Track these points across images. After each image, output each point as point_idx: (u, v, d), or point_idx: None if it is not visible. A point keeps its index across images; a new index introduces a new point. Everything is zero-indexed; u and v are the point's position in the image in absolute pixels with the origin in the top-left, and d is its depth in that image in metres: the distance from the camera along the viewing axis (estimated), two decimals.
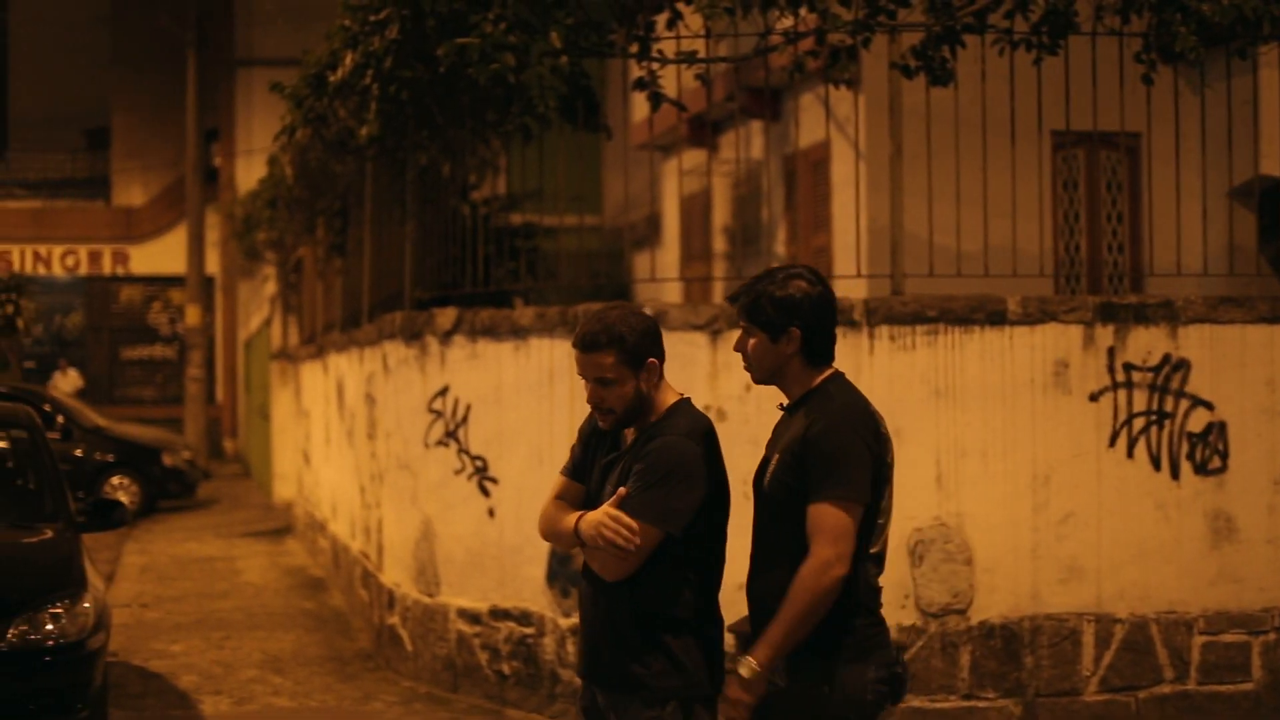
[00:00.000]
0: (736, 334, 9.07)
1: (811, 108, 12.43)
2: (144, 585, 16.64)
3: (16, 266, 46.47)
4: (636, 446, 5.31)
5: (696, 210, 15.29)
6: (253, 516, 24.49)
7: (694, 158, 13.83)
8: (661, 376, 5.39)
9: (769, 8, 9.85)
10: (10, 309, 42.25)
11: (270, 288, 27.39)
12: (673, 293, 14.27)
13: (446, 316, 10.76)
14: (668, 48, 10.24)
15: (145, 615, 14.54)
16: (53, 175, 55.57)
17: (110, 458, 25.13)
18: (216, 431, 38.98)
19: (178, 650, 12.75)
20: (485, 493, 10.44)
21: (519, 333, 10.23)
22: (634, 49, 10.23)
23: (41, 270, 47.54)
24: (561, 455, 9.75)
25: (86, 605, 9.04)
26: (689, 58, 10.07)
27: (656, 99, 10.19)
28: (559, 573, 9.95)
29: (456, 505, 10.66)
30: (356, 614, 13.79)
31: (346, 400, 14.54)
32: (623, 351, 5.27)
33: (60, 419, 25.02)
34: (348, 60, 11.40)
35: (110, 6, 52.10)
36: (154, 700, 11.05)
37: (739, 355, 5.35)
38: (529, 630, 10.17)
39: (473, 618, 10.55)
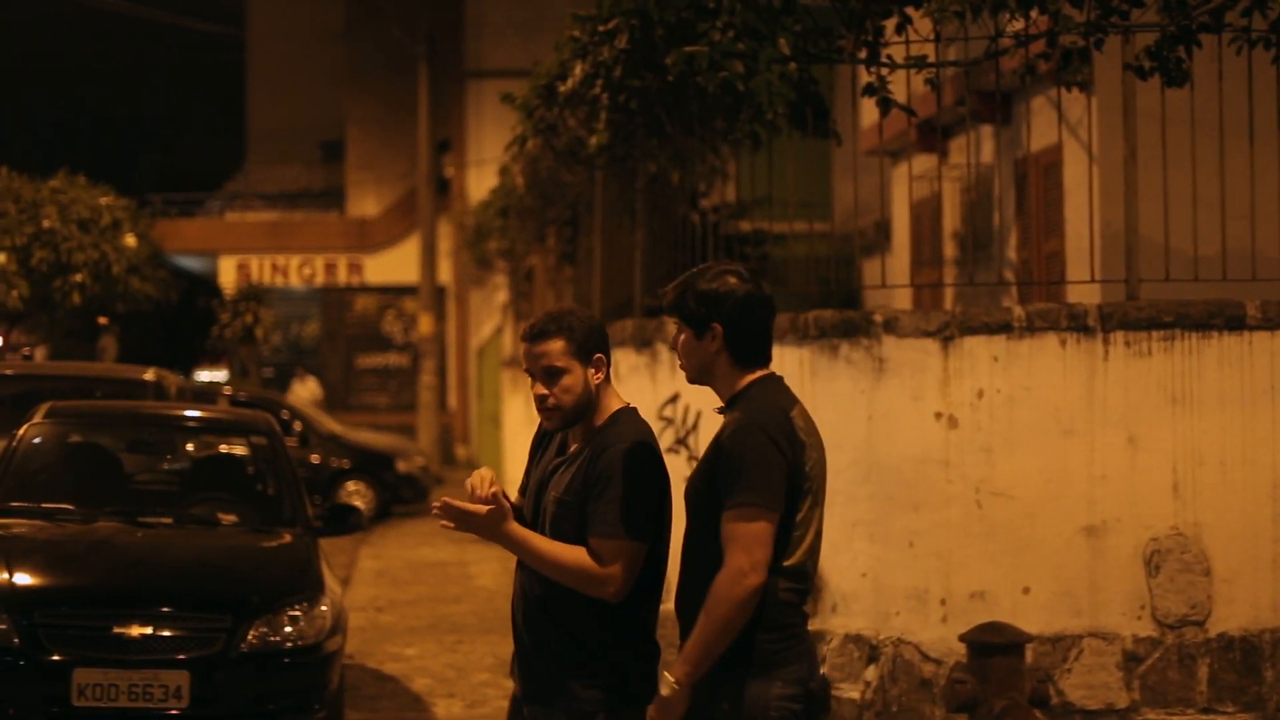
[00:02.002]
0: (969, 340, 9.03)
1: (1043, 111, 12.26)
2: (379, 589, 16.91)
3: (255, 277, 47.54)
4: (587, 454, 5.20)
5: (926, 216, 15.17)
6: None
7: (924, 163, 13.72)
8: (608, 379, 5.30)
9: (999, 10, 9.73)
10: (249, 318, 43.25)
11: (501, 296, 27.71)
12: (903, 299, 14.16)
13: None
14: (897, 52, 10.16)
15: (380, 619, 14.77)
16: (289, 188, 56.74)
17: (346, 464, 25.58)
18: (449, 438, 39.48)
19: (411, 653, 12.94)
20: None
21: None
22: (863, 54, 10.17)
23: (279, 281, 48.58)
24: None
25: (324, 608, 9.21)
26: (918, 62, 9.98)
27: (886, 104, 10.12)
28: None
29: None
30: None
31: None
32: (571, 340, 5.20)
33: (298, 426, 25.54)
34: (577, 70, 11.49)
35: (344, 22, 53.13)
36: (388, 702, 11.22)
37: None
38: None
39: None
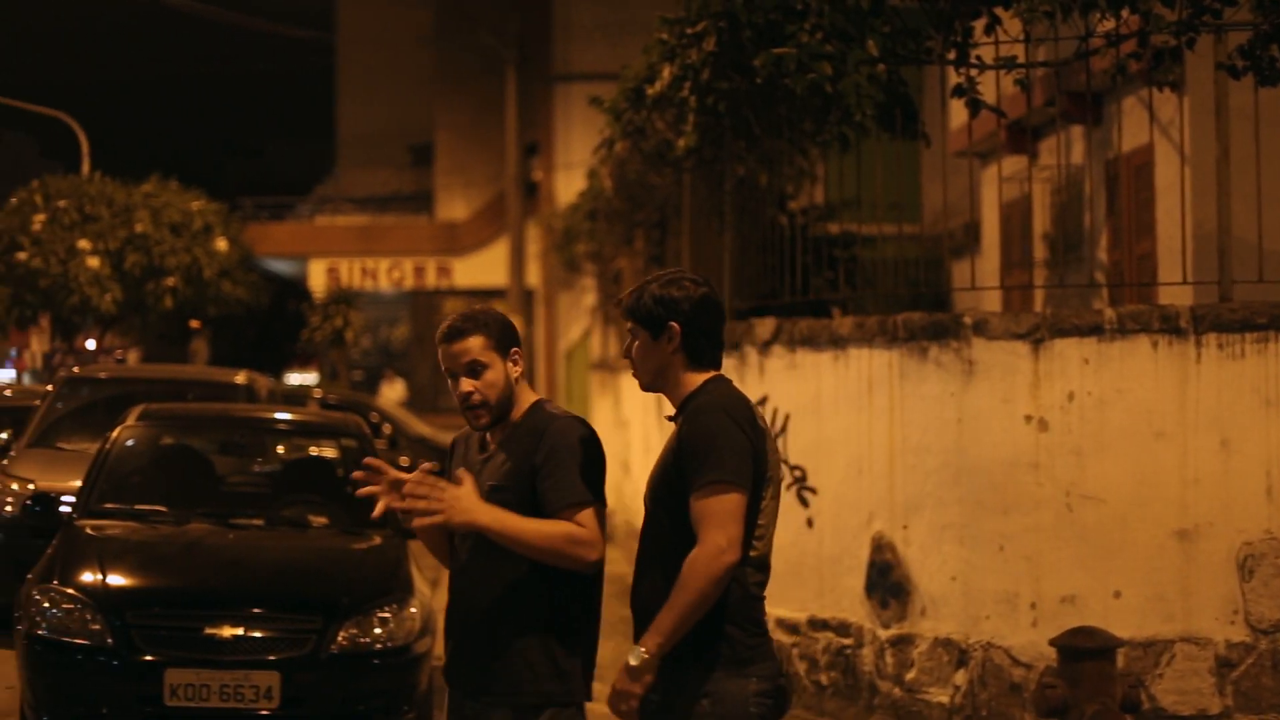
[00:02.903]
0: (1060, 343, 8.97)
1: (1134, 111, 12.16)
2: None
3: (345, 281, 47.81)
4: (520, 441, 5.21)
5: (1016, 217, 15.08)
6: None
7: (1013, 164, 13.65)
8: (523, 373, 5.33)
9: (1089, 10, 9.66)
10: (339, 322, 43.49)
11: (590, 299, 27.77)
12: (992, 301, 14.09)
13: (765, 327, 10.78)
14: (986, 53, 10.11)
15: None
16: (379, 191, 57.04)
17: (434, 465, 25.66)
18: None
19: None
20: (804, 503, 10.43)
21: (838, 342, 10.20)
22: (952, 55, 10.13)
23: (368, 284, 48.85)
24: (881, 465, 9.73)
25: (413, 610, 9.25)
26: (1008, 63, 9.93)
27: (975, 105, 10.08)
28: (878, 584, 9.88)
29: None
30: None
31: (666, 409, 14.64)
32: (490, 336, 5.23)
33: (387, 428, 25.69)
34: (665, 73, 11.49)
35: (433, 26, 53.36)
36: None
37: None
38: (847, 641, 10.12)
39: (791, 628, 10.54)
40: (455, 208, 51.02)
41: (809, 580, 10.42)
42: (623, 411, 19.86)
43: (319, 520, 10.66)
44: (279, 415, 12.38)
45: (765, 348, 10.76)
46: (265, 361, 55.34)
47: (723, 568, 4.85)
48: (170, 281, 39.69)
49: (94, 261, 39.15)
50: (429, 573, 13.45)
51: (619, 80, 13.48)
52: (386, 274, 49.01)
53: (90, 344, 48.48)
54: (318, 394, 26.33)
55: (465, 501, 5.05)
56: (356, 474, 5.25)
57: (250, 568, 9.61)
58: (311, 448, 12.46)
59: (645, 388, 5.28)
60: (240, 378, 16.47)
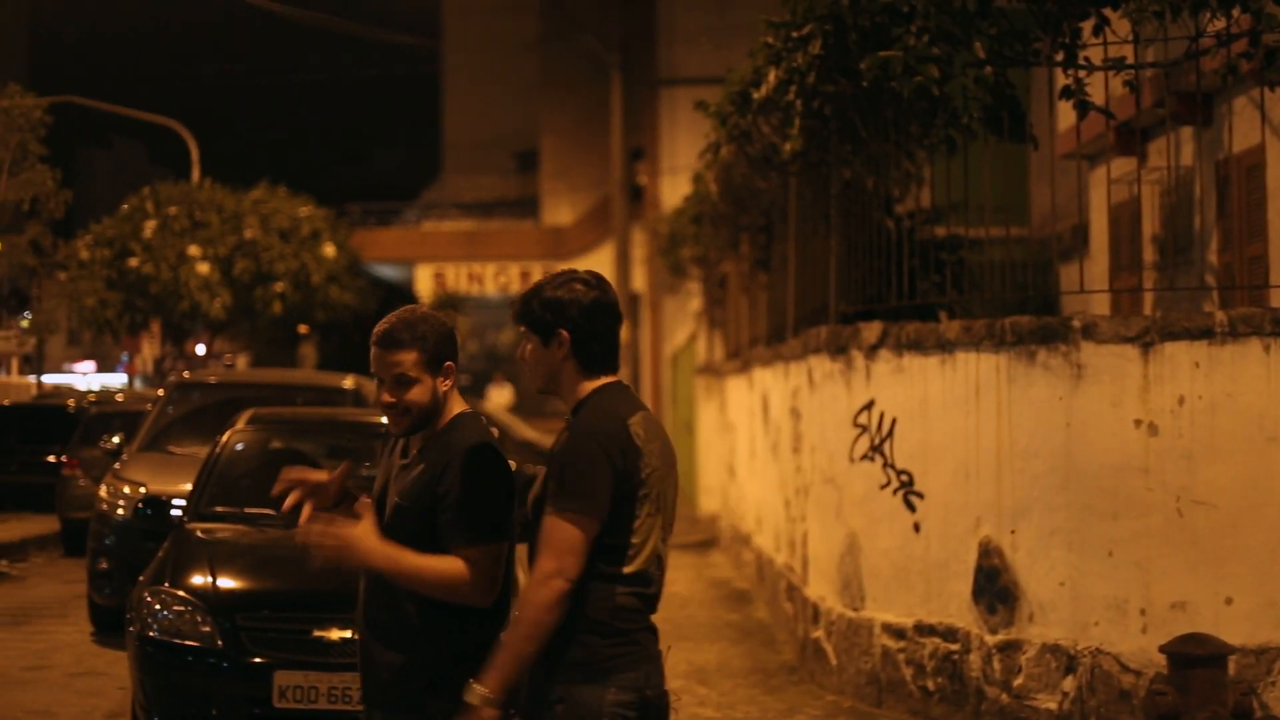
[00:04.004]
0: (1170, 346, 8.88)
1: (1245, 111, 12.03)
2: None
3: (451, 285, 48.06)
4: (430, 460, 5.14)
5: (1125, 220, 14.93)
6: (678, 528, 24.59)
7: (1122, 166, 13.51)
8: (455, 386, 5.25)
9: (1200, 10, 9.56)
10: None
11: (695, 303, 27.76)
12: (1101, 304, 13.96)
13: (872, 330, 10.74)
14: (1094, 54, 10.03)
15: None
16: (485, 197, 57.33)
17: (541, 470, 25.77)
18: None
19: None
20: (911, 507, 10.38)
21: (945, 346, 10.15)
22: (1059, 56, 10.06)
23: (475, 289, 49.09)
24: (988, 469, 9.67)
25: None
26: (1116, 64, 9.84)
27: (1083, 107, 10.00)
28: (986, 589, 9.82)
29: (882, 520, 10.63)
30: (780, 627, 13.85)
31: (771, 414, 14.63)
32: (424, 352, 5.15)
33: (495, 433, 25.76)
34: (771, 77, 11.48)
35: (538, 32, 53.54)
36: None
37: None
38: (954, 646, 10.06)
39: (897, 633, 10.50)
40: (560, 212, 51.19)
41: (915, 585, 10.37)
42: (729, 416, 19.85)
43: None
44: (386, 419, 12.46)
45: (871, 352, 10.72)
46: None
47: (551, 594, 4.81)
48: (279, 287, 40.05)
49: (204, 267, 39.56)
50: None
51: (724, 84, 13.49)
52: (492, 279, 49.25)
53: (200, 349, 48.98)
54: None
55: (363, 544, 5.06)
56: (277, 487, 5.26)
57: (339, 574, 9.65)
58: None
59: (540, 391, 5.21)
60: (348, 382, 16.58)
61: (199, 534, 10.06)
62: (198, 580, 9.29)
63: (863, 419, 10.80)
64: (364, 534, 5.07)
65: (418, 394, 5.16)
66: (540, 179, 53.40)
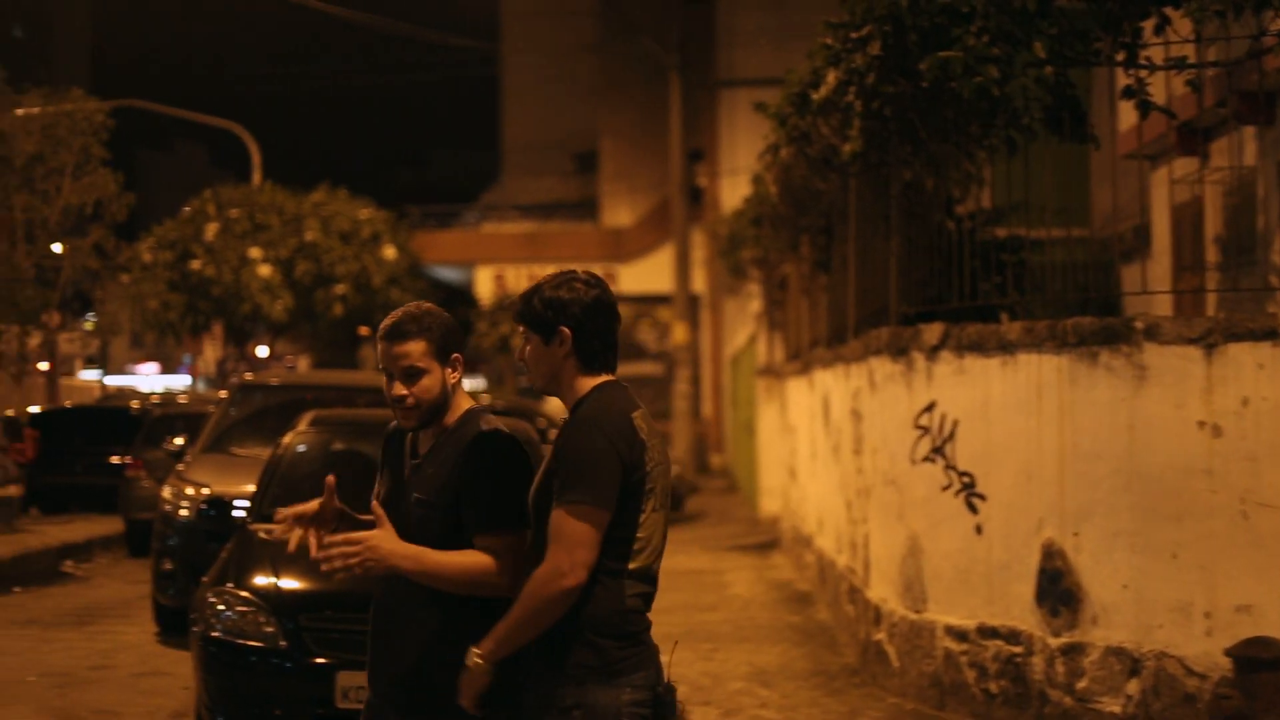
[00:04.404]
0: (1234, 347, 8.82)
1: None
2: None
3: (511, 287, 48.17)
4: (447, 454, 5.16)
5: (1187, 220, 14.86)
6: (739, 530, 24.81)
7: (1184, 166, 13.45)
8: (462, 379, 5.28)
9: (1263, 8, 9.49)
10: (506, 328, 43.80)
11: (755, 305, 27.77)
12: (1163, 305, 13.90)
13: (933, 332, 10.72)
14: (1156, 54, 9.98)
15: None
16: (544, 199, 57.45)
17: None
18: (703, 446, 39.64)
19: (667, 661, 12.96)
20: (973, 509, 10.35)
21: (1006, 347, 10.11)
22: (1120, 56, 10.01)
23: None
24: (1051, 471, 9.63)
25: None
26: (1178, 63, 9.79)
27: (1145, 107, 9.94)
28: (1049, 591, 9.78)
29: (943, 521, 10.60)
30: (842, 629, 13.83)
31: (832, 416, 14.61)
32: (431, 342, 5.16)
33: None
34: (830, 78, 11.47)
35: (597, 34, 53.61)
36: None
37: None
38: (1017, 649, 10.03)
39: (960, 635, 10.47)
40: (620, 214, 51.25)
41: (978, 587, 10.34)
42: (789, 417, 19.83)
43: None
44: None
45: (933, 353, 10.69)
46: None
47: (561, 590, 4.79)
48: (340, 289, 40.21)
49: (265, 270, 39.77)
50: None
51: (783, 85, 13.48)
52: None
53: (262, 351, 49.22)
54: (485, 400, 26.51)
55: (383, 547, 5.04)
56: (278, 532, 5.30)
57: None
58: None
59: (540, 391, 5.21)
60: None
61: (262, 535, 10.11)
62: (261, 581, 9.34)
63: (924, 420, 10.77)
64: (385, 538, 5.07)
65: (428, 384, 5.17)
66: (600, 181, 53.49)
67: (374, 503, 5.27)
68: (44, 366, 41.59)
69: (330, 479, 5.34)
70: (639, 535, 4.94)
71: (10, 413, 29.14)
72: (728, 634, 14.37)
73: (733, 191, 33.34)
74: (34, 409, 29.97)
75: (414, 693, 5.17)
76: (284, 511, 5.33)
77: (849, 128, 11.44)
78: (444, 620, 5.13)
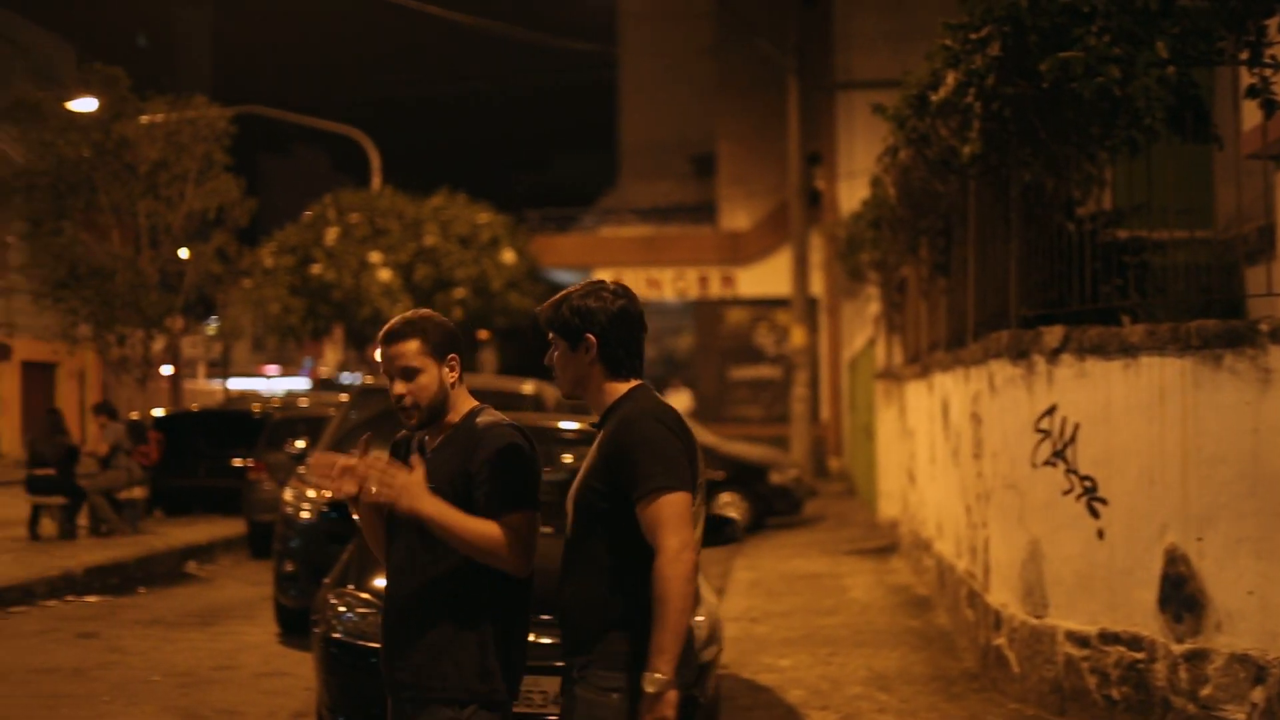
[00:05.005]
0: None
1: None
2: (753, 600, 17.00)
3: None
4: (458, 445, 5.33)
5: None
6: (858, 534, 24.73)
7: None
8: (461, 379, 5.42)
9: None
10: None
11: (874, 308, 27.66)
12: None
13: (1053, 334, 10.63)
14: None
15: (754, 629, 14.84)
16: (662, 202, 57.49)
17: (719, 475, 25.79)
18: (821, 450, 39.52)
19: (785, 665, 12.97)
20: (1094, 514, 10.25)
21: (1128, 350, 10.01)
22: (1244, 55, 9.88)
23: (653, 294, 49.22)
24: (1174, 475, 9.52)
25: (699, 618, 9.27)
26: None
27: (1270, 106, 9.81)
28: (1172, 597, 9.67)
29: (1064, 526, 10.51)
30: (962, 633, 13.74)
31: (951, 419, 14.53)
32: (426, 341, 5.37)
33: None
34: (949, 79, 11.40)
35: (714, 36, 53.61)
36: (763, 713, 11.26)
37: None
38: (1139, 655, 9.92)
39: (1081, 640, 10.38)
40: (738, 217, 51.21)
41: (1099, 592, 10.24)
42: (908, 421, 19.74)
43: None
44: (566, 424, 12.50)
45: (1053, 356, 10.60)
46: (552, 371, 55.67)
47: (688, 565, 4.90)
48: (459, 293, 40.44)
49: (385, 274, 40.06)
50: (715, 581, 13.52)
51: (901, 87, 13.41)
52: (670, 284, 49.36)
53: (379, 354, 49.50)
54: None
55: (415, 488, 5.19)
56: (318, 482, 5.44)
57: (541, 575, 9.73)
58: None
59: (566, 396, 5.37)
60: (528, 387, 16.71)
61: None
62: (382, 583, 9.39)
63: (1045, 424, 10.68)
64: (418, 480, 5.21)
65: (424, 382, 5.37)
66: (717, 184, 53.47)
67: (414, 456, 5.44)
68: (168, 370, 42.11)
69: (366, 435, 5.53)
70: None
71: (135, 416, 29.53)
72: (846, 638, 14.33)
73: (850, 194, 33.22)
74: (158, 412, 30.34)
75: (424, 692, 5.30)
76: (323, 460, 5.44)
77: (968, 129, 11.37)
78: (453, 620, 5.28)
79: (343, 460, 5.35)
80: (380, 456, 5.34)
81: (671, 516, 4.93)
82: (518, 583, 5.36)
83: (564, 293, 5.35)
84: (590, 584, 5.13)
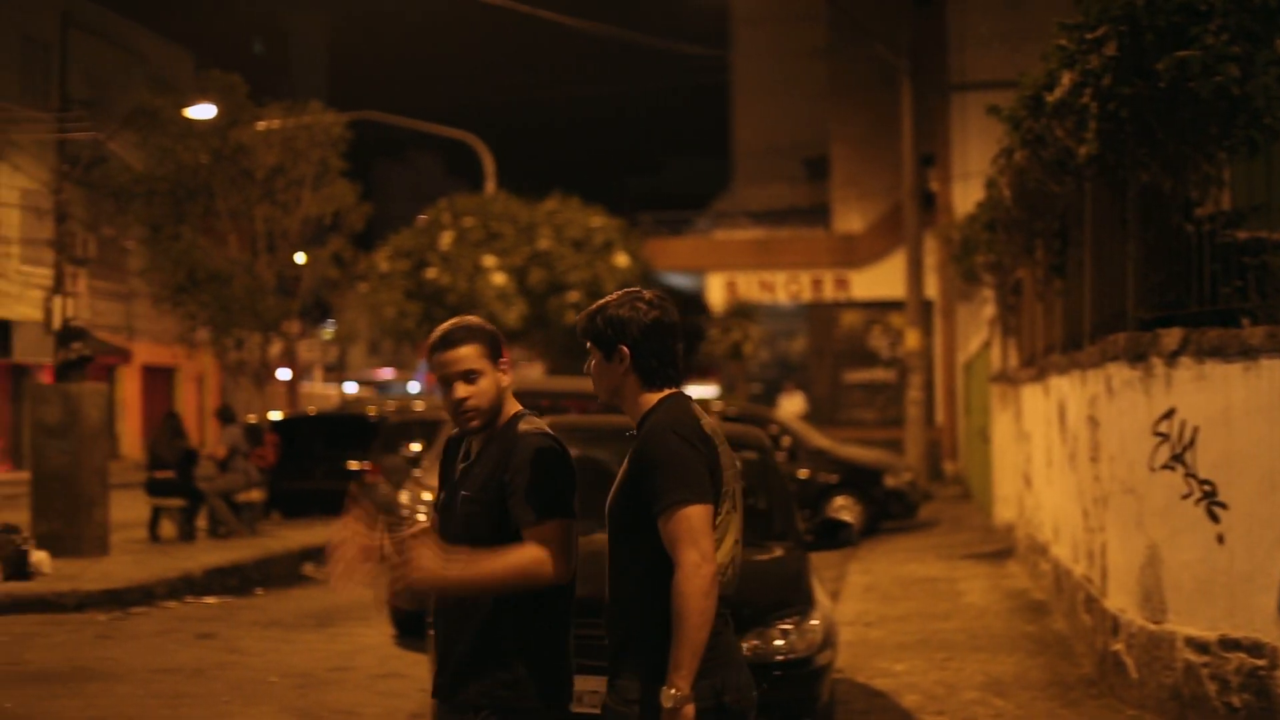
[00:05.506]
0: None
1: None
2: (867, 604, 16.94)
3: (743, 294, 48.22)
4: (494, 453, 5.34)
5: None
6: (973, 538, 24.58)
7: None
8: (510, 383, 5.46)
9: None
10: (738, 335, 43.86)
11: (989, 310, 27.48)
12: None
13: (1172, 337, 10.52)
14: None
15: (869, 634, 14.79)
16: (775, 205, 57.46)
17: (834, 479, 25.74)
18: (936, 453, 39.32)
19: (900, 669, 12.91)
20: (1214, 518, 10.13)
21: (1248, 353, 9.88)
22: None
23: (766, 297, 49.20)
24: None
25: (815, 622, 9.26)
26: None
27: None
28: None
29: (1183, 531, 10.39)
30: (1079, 639, 13.63)
31: (1068, 423, 14.41)
32: (483, 345, 5.42)
33: (786, 441, 25.83)
34: (1065, 79, 11.32)
35: (826, 38, 53.50)
36: (878, 717, 11.22)
37: None
38: (1260, 662, 9.79)
39: (1200, 647, 10.25)
40: (851, 220, 51.07)
41: (1219, 598, 10.12)
42: (1024, 424, 19.60)
43: None
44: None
45: (1172, 359, 10.49)
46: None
47: (705, 580, 4.94)
48: (572, 296, 40.54)
49: (499, 278, 40.25)
50: (829, 585, 13.49)
51: (1017, 88, 13.32)
52: (784, 287, 49.31)
53: None
54: (718, 406, 26.61)
55: (428, 566, 5.16)
56: (334, 569, 5.39)
57: None
58: None
59: (604, 404, 5.43)
60: None
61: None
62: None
63: (1163, 427, 10.57)
64: (430, 555, 5.20)
65: (485, 386, 5.41)
66: (831, 186, 53.34)
67: (417, 526, 5.44)
68: (285, 374, 42.54)
69: (382, 518, 5.49)
70: (714, 536, 5.10)
71: (252, 419, 29.86)
72: (962, 643, 14.24)
73: (965, 196, 33.03)
74: (275, 415, 30.66)
75: (463, 690, 5.34)
76: (342, 548, 5.42)
77: (1084, 130, 11.27)
78: (484, 627, 5.31)
79: (362, 541, 5.32)
80: (395, 542, 5.27)
81: (689, 531, 4.98)
82: (555, 590, 5.37)
83: (600, 302, 5.41)
84: (621, 592, 5.20)
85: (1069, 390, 14.26)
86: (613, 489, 5.29)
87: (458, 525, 5.38)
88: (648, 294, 5.39)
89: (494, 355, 5.46)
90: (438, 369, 5.46)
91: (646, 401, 5.27)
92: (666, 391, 5.29)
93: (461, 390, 5.40)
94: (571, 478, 5.38)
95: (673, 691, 4.95)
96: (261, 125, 35.10)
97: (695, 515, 4.98)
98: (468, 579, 5.21)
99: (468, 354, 5.40)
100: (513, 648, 5.30)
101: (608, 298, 5.42)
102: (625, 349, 5.26)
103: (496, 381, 5.43)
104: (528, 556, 5.20)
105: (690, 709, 4.96)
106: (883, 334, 47.19)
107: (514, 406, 5.53)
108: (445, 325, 5.51)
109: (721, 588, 5.11)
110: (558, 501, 5.29)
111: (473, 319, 5.56)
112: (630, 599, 5.16)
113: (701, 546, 4.96)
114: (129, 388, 51.04)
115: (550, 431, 5.45)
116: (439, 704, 5.51)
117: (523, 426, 5.43)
